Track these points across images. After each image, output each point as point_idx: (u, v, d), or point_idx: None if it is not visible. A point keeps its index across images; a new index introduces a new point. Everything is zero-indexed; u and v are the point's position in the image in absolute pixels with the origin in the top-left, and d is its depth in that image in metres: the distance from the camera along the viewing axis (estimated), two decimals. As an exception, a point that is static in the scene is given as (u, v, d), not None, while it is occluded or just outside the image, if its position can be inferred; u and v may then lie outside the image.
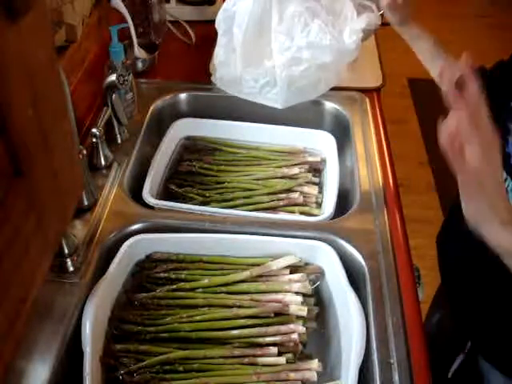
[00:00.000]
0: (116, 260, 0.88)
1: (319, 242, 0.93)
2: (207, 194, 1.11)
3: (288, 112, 1.21)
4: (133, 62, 1.29)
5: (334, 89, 1.23)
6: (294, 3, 1.13)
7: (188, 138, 1.25)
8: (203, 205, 1.07)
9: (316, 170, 1.19)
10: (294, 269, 0.93)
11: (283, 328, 0.84)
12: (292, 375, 0.80)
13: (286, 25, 1.13)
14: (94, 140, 1.03)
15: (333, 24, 1.15)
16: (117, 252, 0.89)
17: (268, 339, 0.83)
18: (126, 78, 1.08)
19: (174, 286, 0.90)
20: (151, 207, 1.00)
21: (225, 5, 1.17)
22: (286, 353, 0.83)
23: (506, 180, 0.82)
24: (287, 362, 0.81)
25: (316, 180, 1.16)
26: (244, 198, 1.10)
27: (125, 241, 0.91)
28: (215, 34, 1.20)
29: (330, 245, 0.92)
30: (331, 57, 1.13)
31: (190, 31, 1.48)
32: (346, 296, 0.85)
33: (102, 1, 1.23)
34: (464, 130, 0.55)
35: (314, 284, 0.93)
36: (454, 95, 0.56)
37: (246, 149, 1.23)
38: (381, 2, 1.09)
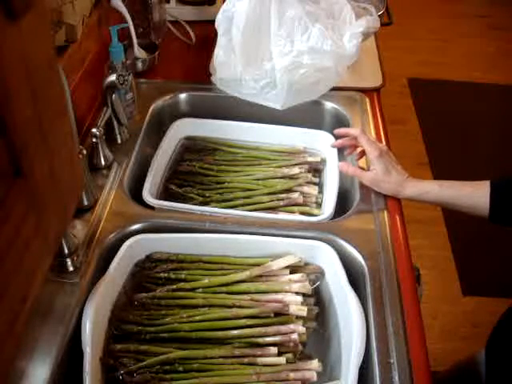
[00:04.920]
0: (116, 260, 0.88)
1: (319, 242, 0.93)
2: (207, 194, 1.11)
3: (288, 112, 1.21)
4: (133, 62, 1.29)
5: (334, 89, 1.23)
6: (294, 6, 1.13)
7: (188, 138, 1.25)
8: (203, 205, 1.07)
9: (316, 170, 1.19)
10: (294, 269, 0.93)
11: (283, 328, 0.84)
12: (292, 375, 0.80)
13: (285, 28, 1.13)
14: (94, 140, 1.03)
15: (332, 28, 1.15)
16: (117, 252, 0.89)
17: (268, 339, 0.83)
18: (126, 77, 1.08)
19: (174, 286, 0.90)
20: (151, 207, 1.00)
21: (224, 5, 1.16)
22: (286, 353, 0.83)
23: None
24: (287, 362, 0.81)
25: (316, 180, 1.16)
26: (244, 198, 1.10)
27: (125, 241, 0.91)
28: (215, 34, 1.20)
29: (329, 245, 0.92)
30: (332, 61, 1.12)
31: (190, 31, 1.48)
32: (346, 296, 0.85)
33: (101, 1, 1.23)
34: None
35: (314, 284, 0.93)
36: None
37: (246, 149, 1.23)
38: (364, 179, 1.02)
